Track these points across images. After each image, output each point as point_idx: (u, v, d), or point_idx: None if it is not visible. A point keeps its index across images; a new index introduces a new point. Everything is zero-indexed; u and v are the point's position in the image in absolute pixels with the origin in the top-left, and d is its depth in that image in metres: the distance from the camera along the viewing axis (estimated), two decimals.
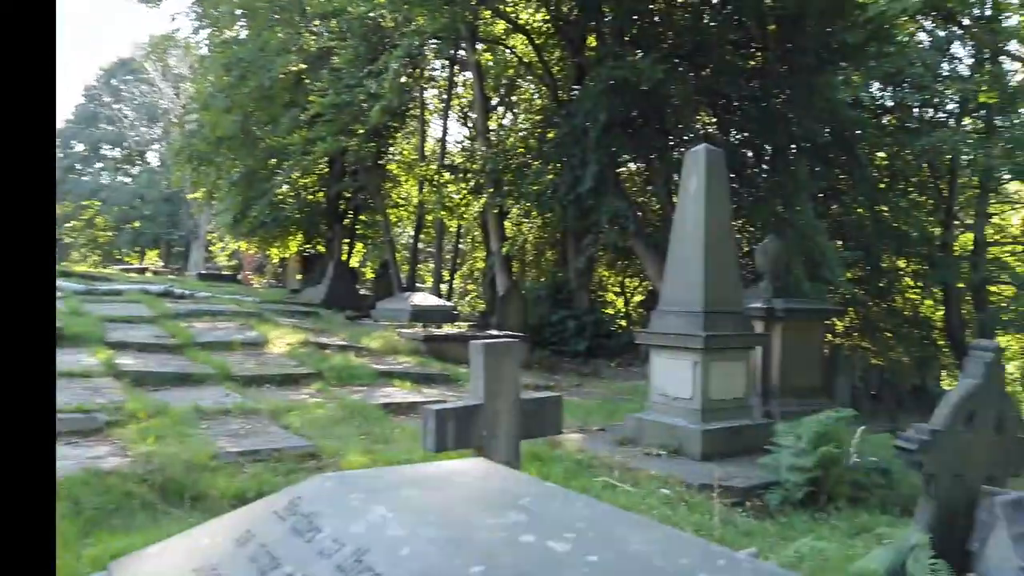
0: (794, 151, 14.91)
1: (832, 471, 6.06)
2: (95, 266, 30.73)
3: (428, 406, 3.62)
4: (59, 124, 41.10)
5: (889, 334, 16.77)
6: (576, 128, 15.43)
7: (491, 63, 21.06)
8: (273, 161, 20.25)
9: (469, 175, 19.89)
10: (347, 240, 24.76)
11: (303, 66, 18.75)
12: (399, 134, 23.01)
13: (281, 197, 22.13)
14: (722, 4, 16.11)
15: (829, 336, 15.11)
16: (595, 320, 16.53)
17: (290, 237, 24.28)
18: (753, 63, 16.54)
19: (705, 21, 16.22)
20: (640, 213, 17.66)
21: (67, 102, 63.04)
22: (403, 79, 17.17)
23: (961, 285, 16.19)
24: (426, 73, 21.77)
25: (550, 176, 16.44)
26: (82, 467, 5.15)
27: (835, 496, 6.06)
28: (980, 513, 3.73)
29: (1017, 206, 18.00)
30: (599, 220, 15.25)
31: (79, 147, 44.72)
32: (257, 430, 6.83)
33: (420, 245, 25.47)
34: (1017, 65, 15.29)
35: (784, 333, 9.28)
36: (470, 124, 24.48)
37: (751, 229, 16.24)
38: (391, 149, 22.97)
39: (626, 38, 15.99)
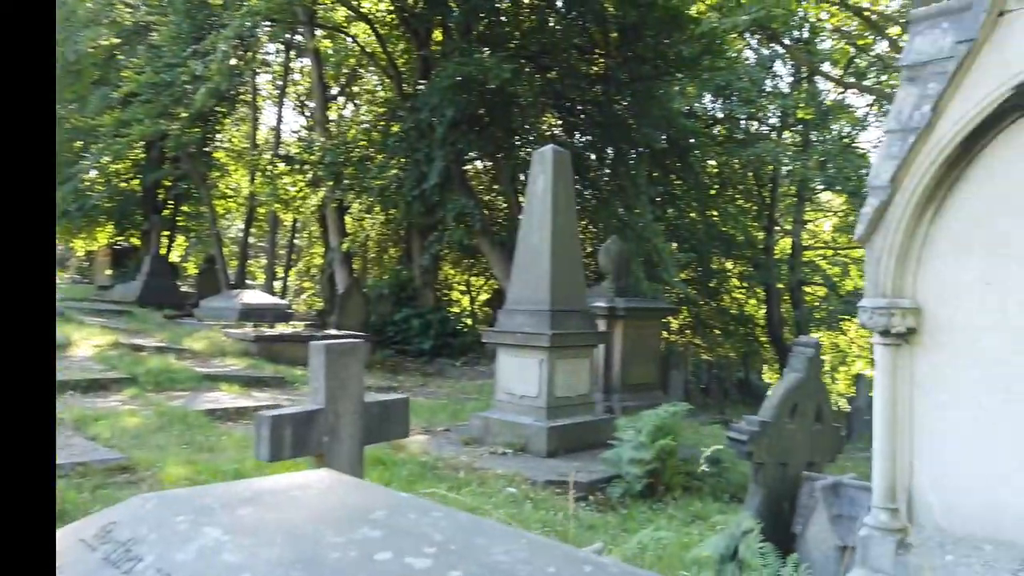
0: (634, 156, 15.72)
1: (669, 463, 6.42)
2: None
3: (262, 412, 3.38)
4: None
5: (718, 331, 18.19)
6: (422, 123, 15.30)
7: (331, 50, 20.37)
8: (79, 144, 18.33)
9: (307, 167, 19.13)
10: (166, 232, 22.94)
11: (116, 40, 17.14)
12: (228, 120, 21.68)
13: (88, 183, 20.09)
14: (567, 8, 16.65)
15: (664, 334, 16.12)
16: (440, 319, 16.48)
17: (99, 228, 22.13)
18: (596, 68, 17.24)
19: (551, 24, 16.68)
20: (486, 211, 17.85)
21: None
22: (233, 61, 16.18)
23: (781, 286, 17.90)
24: (259, 57, 20.65)
25: (394, 171, 16.16)
26: None
27: (672, 486, 6.42)
28: (802, 498, 4.07)
29: (828, 214, 20.21)
30: (445, 217, 15.23)
31: None
32: (58, 443, 6.12)
33: (251, 239, 24.15)
34: (830, 85, 17.12)
35: (625, 331, 9.73)
36: (308, 113, 23.56)
37: (592, 230, 16.93)
38: (218, 136, 21.59)
39: (473, 35, 16.08)
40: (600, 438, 7.38)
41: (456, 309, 21.04)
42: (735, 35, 14.11)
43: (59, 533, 1.45)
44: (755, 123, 17.66)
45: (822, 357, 4.53)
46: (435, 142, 14.88)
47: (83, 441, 6.32)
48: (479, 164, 19.53)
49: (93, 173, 20.04)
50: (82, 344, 10.08)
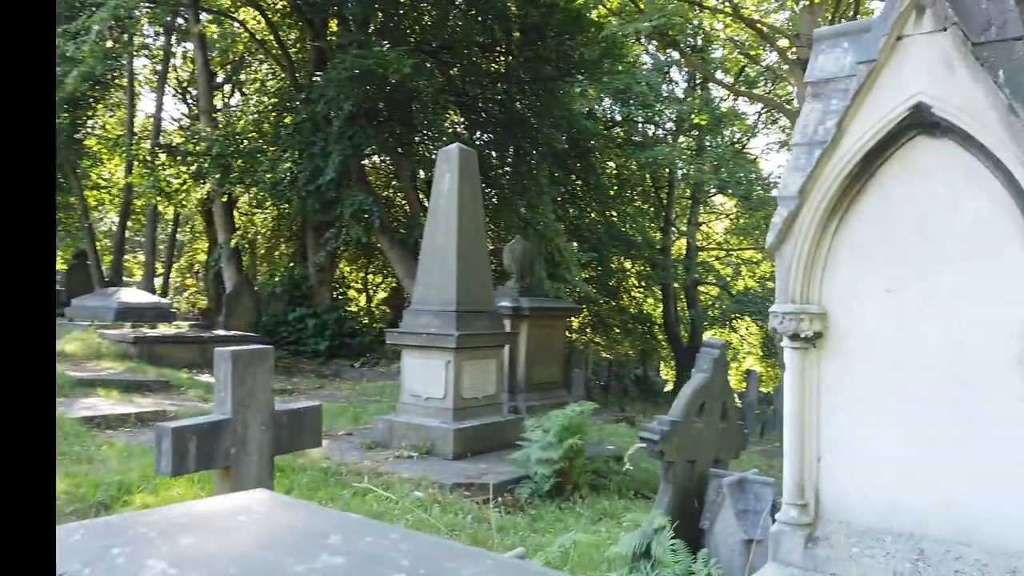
0: (535, 156, 15.93)
1: (576, 462, 6.55)
2: None
3: (162, 423, 3.20)
4: None
5: (617, 330, 18.73)
6: (317, 115, 14.89)
7: (217, 36, 19.46)
8: None
9: (191, 157, 18.20)
10: None
11: None
12: (100, 105, 20.31)
13: None
14: (468, 5, 16.65)
15: (566, 333, 16.45)
16: (337, 318, 16.12)
17: None
18: (497, 67, 17.34)
19: (451, 21, 16.63)
20: (386, 208, 17.59)
21: None
22: (108, 43, 15.17)
23: (676, 285, 18.64)
24: (136, 39, 19.43)
25: (287, 164, 15.64)
26: None
27: (579, 485, 6.56)
28: (709, 494, 4.26)
29: (721, 216, 21.27)
30: (342, 214, 14.90)
31: None
32: None
33: (127, 233, 22.74)
34: (723, 92, 17.97)
35: (530, 330, 9.85)
36: (190, 101, 22.42)
37: (494, 229, 17.02)
38: (90, 122, 20.19)
39: (371, 27, 15.81)
40: (508, 439, 7.44)
41: (353, 308, 20.61)
42: (634, 40, 14.55)
43: None
44: (652, 127, 18.29)
45: (727, 358, 4.75)
46: (332, 136, 14.53)
47: None
48: (376, 159, 19.21)
49: None
50: None
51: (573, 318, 16.86)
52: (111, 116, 21.92)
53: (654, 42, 14.22)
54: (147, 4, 15.61)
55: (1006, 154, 2.61)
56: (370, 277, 22.91)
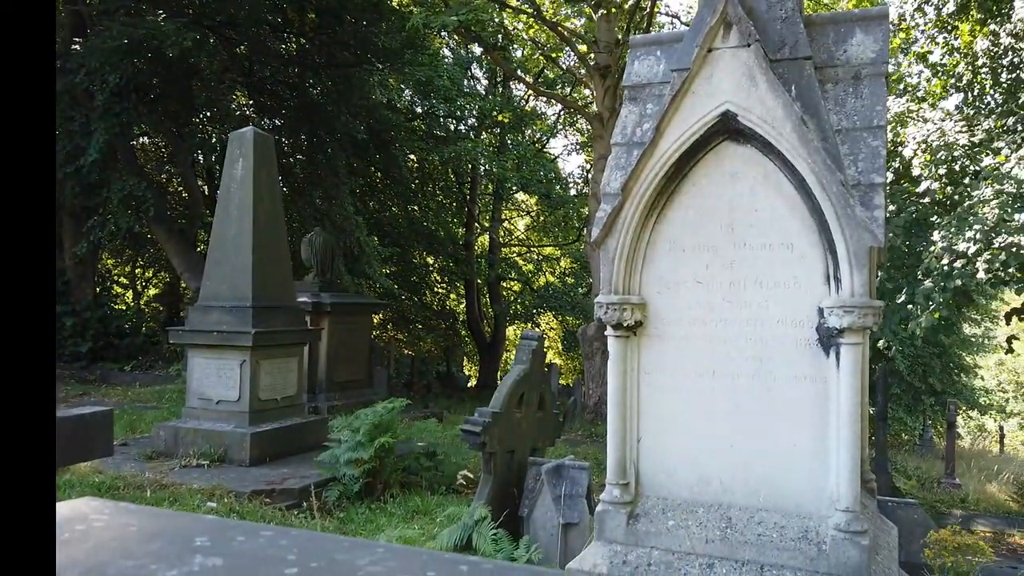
0: (333, 145, 15.46)
1: (387, 460, 6.49)
2: None
3: None
4: None
5: (420, 326, 18.72)
6: (76, 88, 13.32)
7: None
8: None
9: None
10: None
11: None
12: None
13: None
14: None
15: (370, 329, 16.12)
16: (101, 317, 14.53)
17: None
18: (288, 48, 16.59)
19: None
20: (161, 195, 16.14)
21: None
22: None
23: (480, 281, 19.01)
24: None
25: None
26: None
27: (390, 484, 6.51)
28: (528, 482, 4.42)
29: (523, 214, 22.03)
30: (109, 199, 13.46)
31: None
32: None
33: None
34: (524, 91, 18.61)
35: (332, 327, 9.58)
36: None
37: (288, 221, 16.27)
38: None
39: None
40: (311, 441, 7.20)
41: (121, 306, 18.68)
42: (437, 33, 14.63)
43: None
44: (454, 122, 18.50)
45: (544, 349, 4.95)
46: (94, 111, 13.09)
47: None
48: (146, 140, 17.59)
49: None
50: None
51: (376, 314, 16.65)
52: None
53: (455, 36, 14.41)
54: None
55: (798, 160, 2.98)
56: (139, 271, 20.90)
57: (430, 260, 18.97)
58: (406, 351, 17.04)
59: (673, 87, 3.31)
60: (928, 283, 6.75)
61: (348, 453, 6.29)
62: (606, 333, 3.30)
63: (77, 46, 14.31)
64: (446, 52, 17.93)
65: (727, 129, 3.24)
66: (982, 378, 24.16)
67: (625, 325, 3.20)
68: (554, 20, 13.78)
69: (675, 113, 3.28)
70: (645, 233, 3.31)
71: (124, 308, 18.46)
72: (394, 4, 15.83)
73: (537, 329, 20.92)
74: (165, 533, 1.25)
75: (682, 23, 14.96)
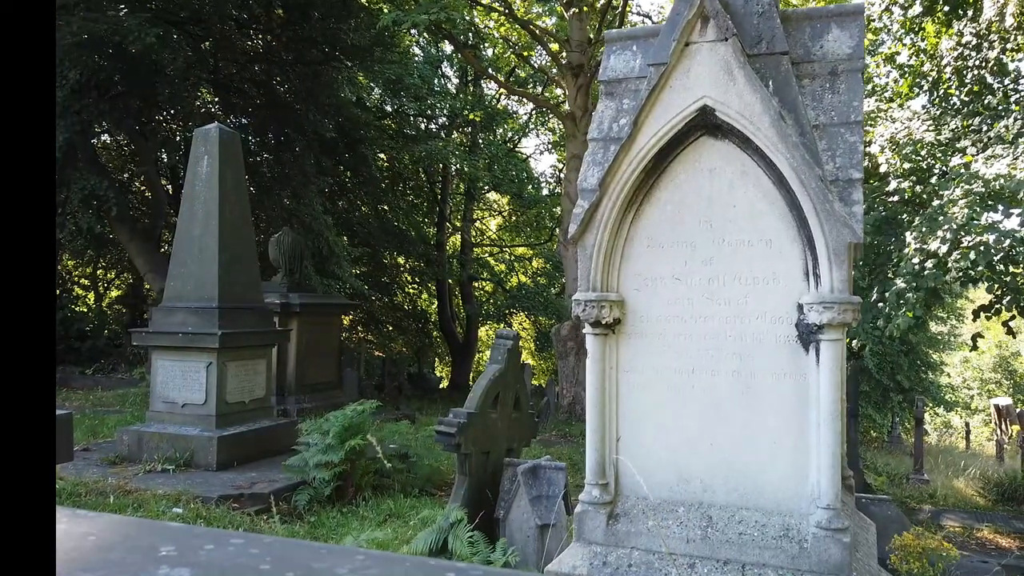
0: (301, 143, 15.26)
1: (359, 463, 6.39)
2: None
3: None
4: None
5: (390, 327, 18.54)
6: None
7: None
8: None
9: None
10: None
11: None
12: None
13: None
14: None
15: (339, 331, 15.90)
16: (62, 319, 14.19)
17: None
18: (254, 44, 16.33)
19: None
20: (122, 195, 15.79)
21: None
22: None
23: (452, 281, 18.88)
24: None
25: None
26: None
27: (362, 487, 6.41)
28: (504, 483, 4.37)
29: (495, 213, 21.93)
30: (69, 198, 13.14)
31: None
32: None
33: None
34: (495, 90, 18.53)
35: (301, 328, 9.43)
36: None
37: (255, 221, 16.02)
38: None
39: None
40: (280, 444, 7.08)
41: (81, 308, 18.24)
42: (407, 31, 14.51)
43: None
44: (424, 120, 18.36)
45: (520, 349, 4.90)
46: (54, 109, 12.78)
47: None
48: (107, 138, 17.22)
49: None
50: None
51: (346, 315, 16.46)
52: None
53: (426, 35, 14.31)
54: None
55: (776, 155, 2.97)
56: (99, 272, 20.45)
57: (401, 260, 18.80)
58: (376, 352, 16.87)
59: (650, 81, 3.28)
60: (900, 283, 6.83)
61: (318, 456, 6.18)
62: (584, 331, 3.26)
63: None
64: (416, 50, 17.80)
65: (705, 124, 3.22)
66: (948, 375, 24.66)
67: (603, 323, 3.17)
68: (525, 19, 13.74)
69: (653, 107, 3.25)
70: (623, 229, 3.28)
71: (85, 310, 18.04)
72: (363, 1, 15.68)
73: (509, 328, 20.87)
74: (126, 542, 1.17)
75: (653, 23, 15.02)
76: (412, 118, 17.93)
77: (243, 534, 1.23)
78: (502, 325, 19.81)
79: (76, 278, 19.87)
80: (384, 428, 8.16)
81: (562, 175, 18.44)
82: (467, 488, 4.31)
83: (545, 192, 18.99)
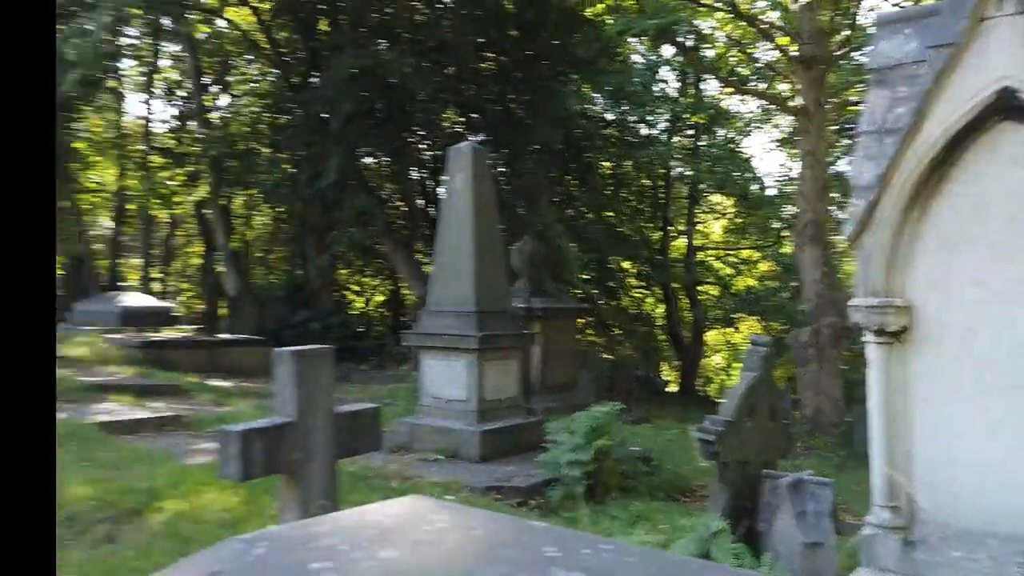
0: (533, 156, 15.81)
1: (606, 463, 6.43)
2: None
3: (229, 427, 3.04)
4: None
5: (618, 331, 18.59)
6: (314, 116, 14.68)
7: (205, 36, 19.08)
8: None
9: (185, 160, 17.89)
10: None
11: None
12: (88, 107, 19.86)
13: None
14: (459, 5, 16.48)
15: (576, 334, 16.20)
16: (341, 322, 15.90)
17: None
18: (488, 65, 17.17)
19: (444, 21, 16.45)
20: (384, 210, 17.39)
21: None
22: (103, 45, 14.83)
23: (676, 285, 18.53)
24: (124, 40, 18.96)
25: (285, 166, 15.41)
26: None
27: (610, 487, 6.43)
28: (765, 495, 4.16)
29: (719, 216, 21.19)
30: (344, 216, 14.71)
31: None
32: None
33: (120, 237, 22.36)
34: (716, 90, 17.92)
35: (543, 331, 9.72)
36: (176, 102, 21.98)
37: None
38: (76, 125, 19.75)
39: (363, 28, 15.63)
40: (531, 441, 7.31)
41: (355, 311, 20.39)
42: (631, 39, 14.44)
43: None
44: (645, 126, 18.14)
45: (776, 356, 4.65)
46: (330, 137, 14.35)
47: None
48: (370, 160, 19.00)
49: None
50: None
51: (581, 319, 16.73)
52: (102, 119, 21.51)
53: (647, 40, 14.16)
54: (142, 4, 15.26)
55: None
56: (366, 281, 22.65)
57: (626, 265, 18.73)
58: (605, 356, 16.94)
59: (934, 65, 2.95)
60: None
61: (568, 454, 6.30)
62: (863, 339, 2.99)
63: (315, 79, 15.77)
64: (636, 57, 17.66)
65: (1006, 107, 2.83)
66: None
67: (888, 330, 2.89)
68: (750, 15, 13.10)
69: (941, 92, 2.91)
70: (907, 227, 2.96)
71: (356, 314, 20.11)
72: (587, 15, 15.87)
73: (737, 334, 19.79)
74: (511, 540, 1.25)
75: (898, 6, 13.60)
76: (633, 124, 17.84)
77: (611, 540, 1.26)
78: (731, 329, 18.98)
79: (347, 285, 22.20)
80: (626, 430, 8.16)
81: (793, 173, 17.31)
82: (727, 498, 4.17)
83: (771, 192, 17.82)
